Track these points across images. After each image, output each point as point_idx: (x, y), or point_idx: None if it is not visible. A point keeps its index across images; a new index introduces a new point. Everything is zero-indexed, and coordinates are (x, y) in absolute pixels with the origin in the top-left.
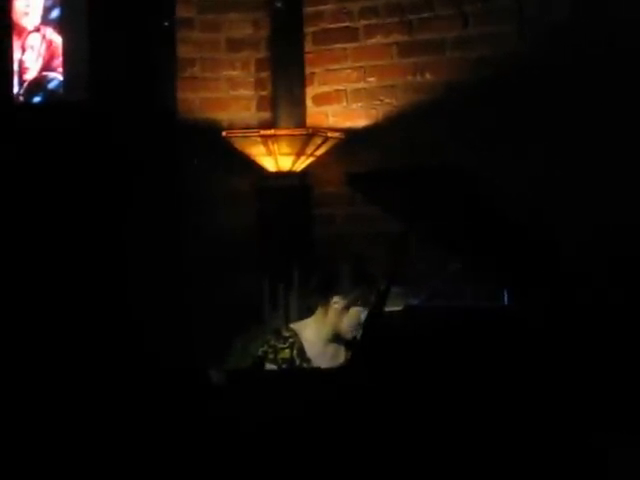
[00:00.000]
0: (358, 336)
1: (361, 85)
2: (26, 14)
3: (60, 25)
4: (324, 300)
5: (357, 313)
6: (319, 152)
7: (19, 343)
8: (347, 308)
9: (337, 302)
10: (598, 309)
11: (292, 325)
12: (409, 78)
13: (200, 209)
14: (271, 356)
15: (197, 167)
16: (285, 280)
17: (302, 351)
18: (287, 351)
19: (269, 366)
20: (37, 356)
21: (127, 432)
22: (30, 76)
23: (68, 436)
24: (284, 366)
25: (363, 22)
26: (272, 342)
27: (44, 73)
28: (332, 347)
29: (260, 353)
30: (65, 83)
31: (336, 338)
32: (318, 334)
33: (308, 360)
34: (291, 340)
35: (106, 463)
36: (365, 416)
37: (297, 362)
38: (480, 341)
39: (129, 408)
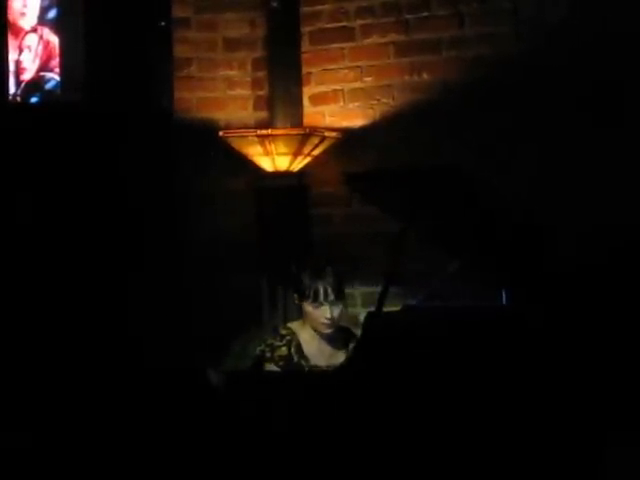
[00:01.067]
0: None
1: (358, 85)
2: (23, 14)
3: (57, 25)
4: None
5: (308, 307)
6: (316, 152)
7: (16, 345)
8: (300, 303)
9: (296, 298)
10: (596, 309)
11: (290, 324)
12: (406, 78)
13: (197, 209)
14: (268, 354)
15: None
16: (283, 280)
17: (299, 348)
18: (284, 348)
19: (267, 365)
20: (36, 356)
21: (126, 433)
22: (27, 76)
23: (66, 435)
24: (281, 364)
25: (360, 22)
26: (269, 341)
27: (41, 73)
28: (330, 346)
29: (258, 352)
30: (62, 83)
31: (327, 335)
32: (310, 332)
33: (306, 357)
34: (288, 338)
35: (105, 464)
36: (363, 416)
37: (295, 359)
38: (478, 341)
39: (128, 409)
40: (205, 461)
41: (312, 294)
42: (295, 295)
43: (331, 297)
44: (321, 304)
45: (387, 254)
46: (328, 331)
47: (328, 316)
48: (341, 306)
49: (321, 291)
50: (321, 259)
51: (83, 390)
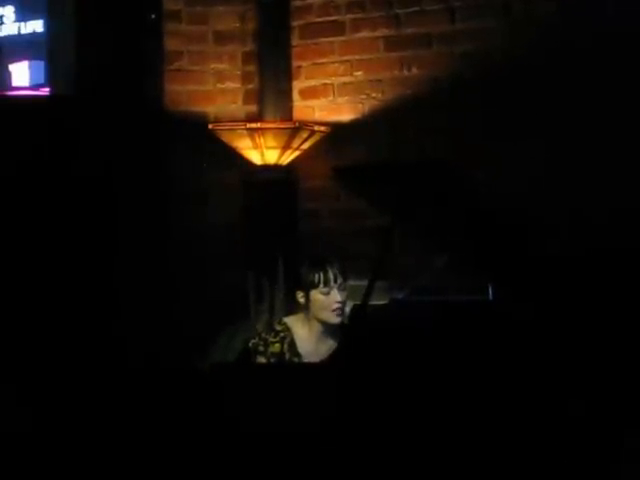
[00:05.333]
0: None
1: (348, 79)
2: None
3: (47, 17)
4: (293, 298)
5: (318, 295)
6: (305, 146)
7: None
8: (307, 296)
9: (301, 296)
10: (583, 303)
11: (285, 319)
12: (396, 72)
13: (186, 202)
14: (261, 349)
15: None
16: (270, 275)
17: (293, 346)
18: (277, 345)
19: (259, 359)
20: (23, 354)
21: (114, 428)
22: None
23: (58, 428)
24: (273, 360)
25: (350, 16)
26: (264, 335)
27: None
28: (327, 344)
29: (251, 345)
30: (52, 75)
31: (329, 330)
32: (309, 330)
33: (299, 355)
34: (282, 334)
35: (94, 458)
36: (348, 409)
37: (287, 357)
38: (465, 335)
39: (116, 405)
40: (194, 454)
41: (322, 279)
42: (299, 293)
43: (340, 280)
44: (331, 288)
45: (374, 248)
46: (339, 319)
47: (339, 299)
48: (346, 292)
49: (330, 274)
50: (318, 252)
51: (69, 386)
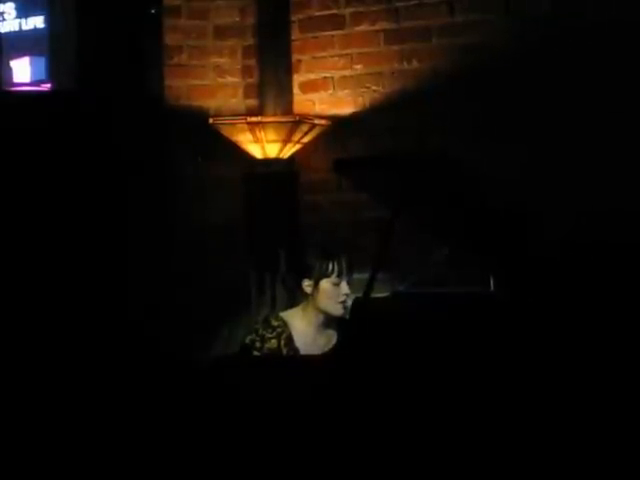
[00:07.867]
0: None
1: (348, 72)
2: None
3: (47, 10)
4: (298, 287)
5: (327, 285)
6: (306, 139)
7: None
8: (317, 285)
9: (308, 284)
10: (583, 294)
11: (281, 314)
12: (396, 65)
13: (187, 196)
14: (258, 345)
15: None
16: (272, 267)
17: (290, 341)
18: (274, 341)
19: (256, 354)
20: (33, 346)
21: (116, 420)
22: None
23: (63, 424)
24: None
25: (350, 9)
26: (260, 331)
27: None
28: (325, 336)
29: (248, 341)
30: (53, 69)
31: (328, 322)
32: (308, 322)
33: (296, 350)
34: (279, 330)
35: (98, 448)
36: (350, 402)
37: (284, 352)
38: (467, 327)
39: (117, 395)
40: (196, 446)
41: (336, 268)
42: (306, 281)
43: (350, 274)
44: (342, 280)
45: (376, 241)
46: (343, 312)
47: (347, 292)
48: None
49: (344, 264)
50: (324, 241)
51: (72, 379)
